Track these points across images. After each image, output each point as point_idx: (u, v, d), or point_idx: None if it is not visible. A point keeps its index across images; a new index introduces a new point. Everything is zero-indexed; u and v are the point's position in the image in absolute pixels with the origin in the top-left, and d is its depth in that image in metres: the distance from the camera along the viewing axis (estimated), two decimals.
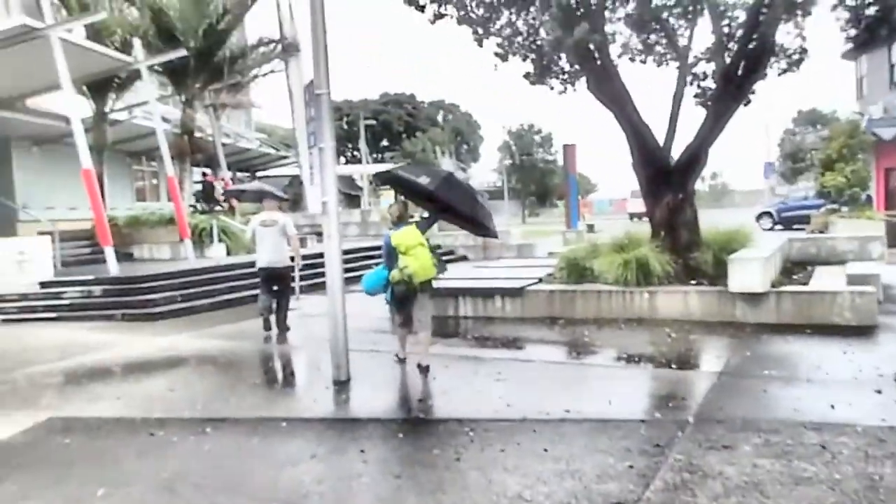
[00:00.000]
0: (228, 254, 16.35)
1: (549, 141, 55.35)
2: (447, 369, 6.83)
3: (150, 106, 16.51)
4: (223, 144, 24.60)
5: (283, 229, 9.10)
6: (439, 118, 69.53)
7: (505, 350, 7.88)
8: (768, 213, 30.58)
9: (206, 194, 21.15)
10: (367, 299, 7.37)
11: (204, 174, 22.42)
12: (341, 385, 6.41)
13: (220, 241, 16.22)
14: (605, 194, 72.11)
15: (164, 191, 22.69)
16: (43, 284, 11.97)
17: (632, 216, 44.18)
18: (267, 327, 9.19)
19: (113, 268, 12.44)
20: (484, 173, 66.68)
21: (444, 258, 21.84)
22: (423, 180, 6.49)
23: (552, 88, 11.82)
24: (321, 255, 6.79)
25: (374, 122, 51.06)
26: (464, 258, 21.02)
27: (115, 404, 6.09)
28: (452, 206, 6.71)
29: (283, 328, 9.24)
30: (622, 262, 9.64)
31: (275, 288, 9.12)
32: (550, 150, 55.49)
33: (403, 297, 6.60)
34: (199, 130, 23.12)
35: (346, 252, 8.37)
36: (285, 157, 33.95)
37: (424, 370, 6.65)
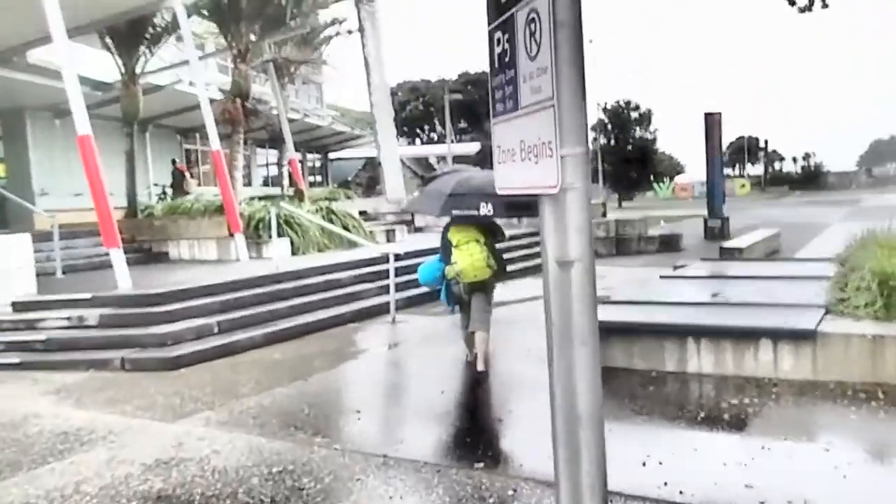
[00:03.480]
0: (294, 253, 12.14)
1: (647, 118, 49.20)
2: None
3: (191, 58, 12.43)
4: (290, 120, 20.58)
5: None
6: None
7: None
8: None
9: (174, 183, 18.32)
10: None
11: (174, 161, 19.29)
12: None
13: (282, 235, 11.99)
14: (697, 175, 65.57)
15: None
16: (16, 306, 7.94)
17: None
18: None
19: (122, 280, 8.34)
20: None
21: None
22: (433, 210, 6.06)
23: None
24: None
25: (459, 96, 46.30)
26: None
27: None
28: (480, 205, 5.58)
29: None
30: None
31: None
32: (649, 128, 49.37)
33: (459, 297, 6.04)
34: (259, 102, 19.20)
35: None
36: (360, 137, 29.95)
37: (482, 375, 5.89)
